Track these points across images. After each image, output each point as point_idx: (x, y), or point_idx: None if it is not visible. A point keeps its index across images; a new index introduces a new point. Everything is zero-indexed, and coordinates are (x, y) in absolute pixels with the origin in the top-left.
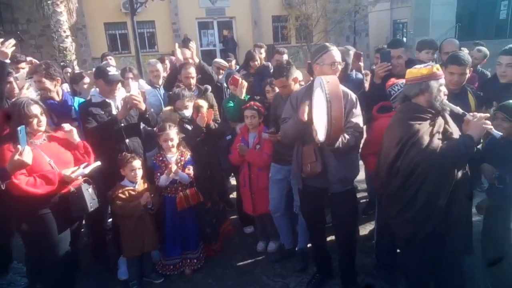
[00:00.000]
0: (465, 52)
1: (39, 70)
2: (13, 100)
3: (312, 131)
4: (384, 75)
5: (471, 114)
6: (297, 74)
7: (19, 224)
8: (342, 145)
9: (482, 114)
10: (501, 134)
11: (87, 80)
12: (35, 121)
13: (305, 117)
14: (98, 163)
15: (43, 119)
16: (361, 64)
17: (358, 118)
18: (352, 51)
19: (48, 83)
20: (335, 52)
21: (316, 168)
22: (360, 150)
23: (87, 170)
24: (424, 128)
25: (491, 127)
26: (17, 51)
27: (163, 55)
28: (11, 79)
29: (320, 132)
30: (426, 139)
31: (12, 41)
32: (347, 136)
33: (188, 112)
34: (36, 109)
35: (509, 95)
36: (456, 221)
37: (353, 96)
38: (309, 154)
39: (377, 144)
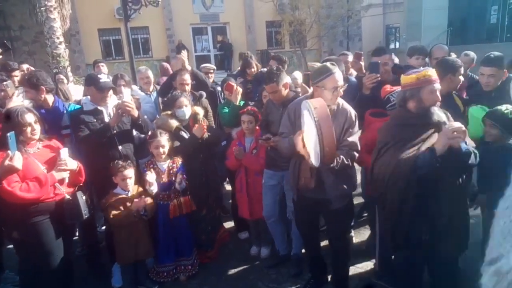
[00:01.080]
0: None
1: (23, 81)
2: (6, 108)
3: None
4: (375, 84)
5: (448, 124)
6: (287, 79)
7: (11, 233)
8: (337, 164)
9: (455, 125)
10: (467, 147)
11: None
12: (28, 129)
13: (301, 149)
14: (65, 149)
15: (37, 127)
16: (362, 63)
17: (354, 136)
18: (350, 56)
19: (33, 93)
20: (338, 75)
21: (310, 184)
22: None
23: (62, 153)
24: (402, 135)
25: (459, 139)
26: (10, 58)
27: (157, 60)
28: (3, 87)
29: (313, 157)
30: (397, 147)
31: None
32: (342, 157)
33: (187, 110)
34: (30, 118)
35: (493, 101)
36: (444, 228)
37: (353, 113)
38: (305, 170)
39: (371, 143)
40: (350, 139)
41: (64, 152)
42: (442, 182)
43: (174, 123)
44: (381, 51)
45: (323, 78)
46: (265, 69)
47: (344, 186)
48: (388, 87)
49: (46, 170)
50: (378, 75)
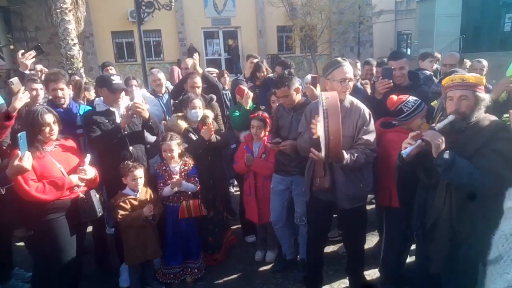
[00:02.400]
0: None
1: (61, 77)
2: (12, 105)
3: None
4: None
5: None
6: (299, 84)
7: (25, 229)
8: (351, 162)
9: (414, 133)
10: (403, 153)
11: None
12: (47, 129)
13: (317, 133)
14: (89, 155)
15: (55, 127)
16: (359, 72)
17: (370, 135)
18: (359, 63)
19: (66, 90)
20: (347, 68)
21: (324, 183)
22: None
23: (87, 161)
24: None
25: (406, 146)
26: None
27: (168, 63)
28: (34, 85)
29: (322, 147)
30: None
31: (32, 53)
32: (355, 154)
33: (200, 112)
34: (49, 118)
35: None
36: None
37: (367, 112)
38: (319, 169)
39: (386, 159)
40: (365, 137)
41: (87, 160)
42: (439, 184)
43: (183, 124)
44: (398, 55)
45: (332, 70)
46: (272, 75)
47: (354, 187)
48: (394, 98)
49: (63, 168)
50: (391, 81)
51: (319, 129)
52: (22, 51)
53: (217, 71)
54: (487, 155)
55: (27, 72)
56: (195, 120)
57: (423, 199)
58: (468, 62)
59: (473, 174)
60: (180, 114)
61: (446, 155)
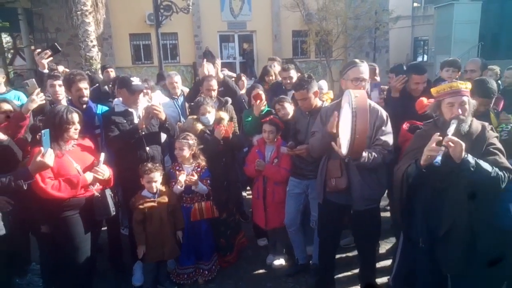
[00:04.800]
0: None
1: (85, 77)
2: (25, 106)
3: (337, 145)
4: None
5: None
6: (317, 88)
7: (40, 227)
8: (368, 161)
9: (436, 139)
10: (438, 162)
11: None
12: (73, 128)
13: (334, 129)
14: (103, 154)
15: (78, 127)
16: (377, 78)
17: (387, 136)
18: (364, 65)
19: (88, 90)
20: (362, 68)
21: (341, 184)
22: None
23: (102, 160)
24: (419, 144)
25: (432, 154)
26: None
27: (184, 66)
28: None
29: (343, 145)
30: (410, 155)
31: (48, 52)
32: (373, 153)
33: (211, 117)
34: (76, 118)
35: None
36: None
37: (384, 113)
38: (335, 169)
39: None
40: (383, 138)
41: (102, 159)
42: (452, 187)
43: (199, 126)
44: (422, 69)
45: (348, 70)
46: (280, 79)
47: (370, 189)
48: (424, 100)
49: (80, 167)
50: (405, 76)
51: (341, 126)
52: (39, 50)
53: (235, 75)
54: (493, 154)
55: (45, 71)
56: (208, 124)
57: (429, 206)
58: (496, 68)
59: (493, 171)
60: (195, 116)
61: (470, 158)
